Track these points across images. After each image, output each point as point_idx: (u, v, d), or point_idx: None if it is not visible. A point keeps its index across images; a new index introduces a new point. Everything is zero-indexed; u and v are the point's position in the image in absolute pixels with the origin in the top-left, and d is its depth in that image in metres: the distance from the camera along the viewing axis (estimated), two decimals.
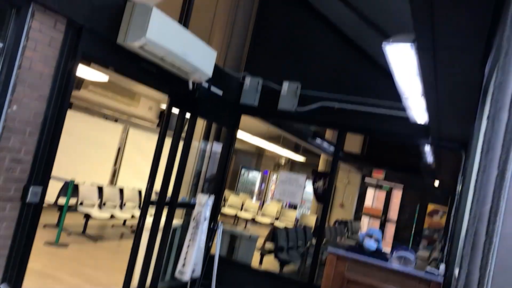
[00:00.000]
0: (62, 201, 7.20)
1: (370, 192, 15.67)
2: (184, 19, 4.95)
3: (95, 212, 7.66)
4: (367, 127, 5.86)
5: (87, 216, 7.47)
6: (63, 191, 7.31)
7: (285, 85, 5.94)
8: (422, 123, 5.14)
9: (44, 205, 3.51)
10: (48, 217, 7.53)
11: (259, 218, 13.09)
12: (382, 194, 15.59)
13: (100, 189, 8.19)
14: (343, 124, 5.94)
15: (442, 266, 4.25)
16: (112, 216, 7.96)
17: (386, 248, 5.65)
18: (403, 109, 4.85)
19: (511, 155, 1.03)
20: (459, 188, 4.92)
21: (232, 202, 13.63)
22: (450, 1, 1.93)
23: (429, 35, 2.37)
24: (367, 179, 15.38)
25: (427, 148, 7.73)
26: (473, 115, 3.17)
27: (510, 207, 1.05)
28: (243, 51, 6.46)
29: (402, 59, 3.13)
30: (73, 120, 8.58)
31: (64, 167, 7.39)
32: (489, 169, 1.05)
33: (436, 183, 12.51)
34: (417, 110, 4.60)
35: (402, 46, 2.88)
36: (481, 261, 1.02)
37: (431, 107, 3.91)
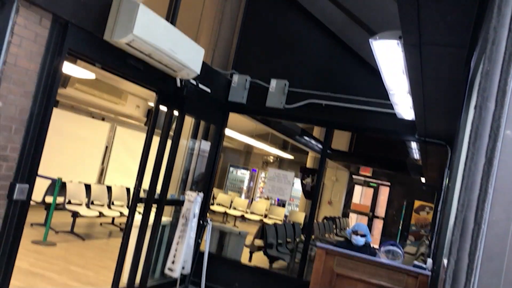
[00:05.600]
0: (49, 199, 7.14)
1: (357, 189, 15.79)
2: (171, 16, 4.93)
3: (83, 210, 7.60)
4: (354, 124, 5.90)
5: (75, 215, 7.41)
6: (50, 190, 7.24)
7: (273, 82, 5.95)
8: (409, 119, 5.20)
9: (31, 203, 3.47)
10: (35, 216, 7.45)
11: (248, 216, 13.12)
12: (369, 191, 15.73)
13: (88, 187, 8.13)
14: (331, 121, 5.97)
15: (430, 261, 4.31)
16: (100, 214, 7.90)
17: (374, 245, 5.70)
18: (390, 106, 4.90)
19: (498, 144, 1.05)
20: (445, 182, 4.99)
21: (221, 200, 13.64)
22: None
23: (416, 32, 2.39)
24: (354, 177, 15.51)
25: (414, 145, 7.81)
26: (459, 111, 3.21)
27: (497, 194, 1.07)
28: (230, 48, 6.46)
29: (389, 56, 3.15)
30: (60, 119, 8.53)
31: (51, 165, 7.33)
32: (477, 157, 1.08)
33: (423, 179, 12.65)
34: (404, 106, 4.64)
35: (389, 43, 2.91)
36: (469, 248, 1.05)
37: (417, 104, 3.95)
